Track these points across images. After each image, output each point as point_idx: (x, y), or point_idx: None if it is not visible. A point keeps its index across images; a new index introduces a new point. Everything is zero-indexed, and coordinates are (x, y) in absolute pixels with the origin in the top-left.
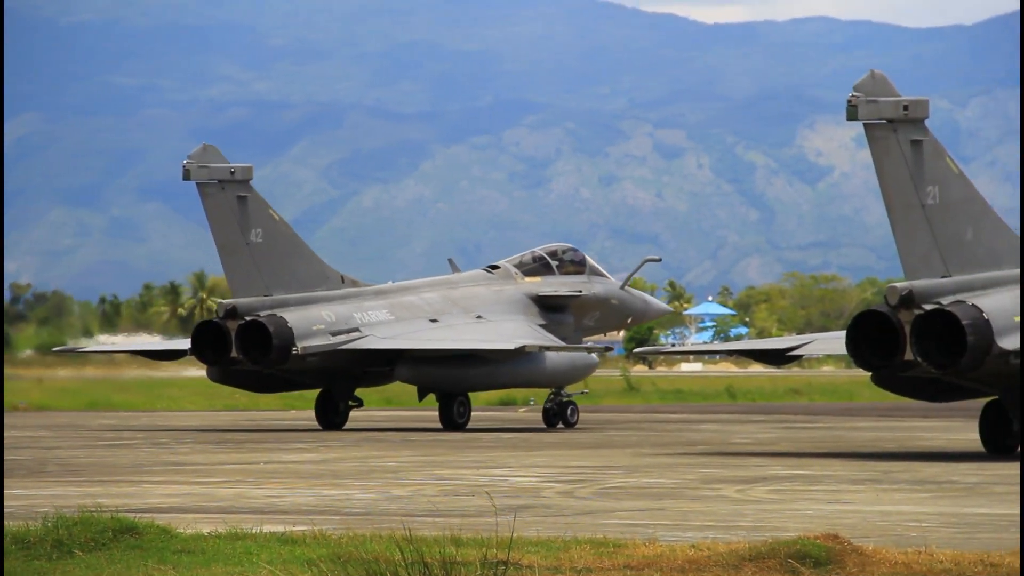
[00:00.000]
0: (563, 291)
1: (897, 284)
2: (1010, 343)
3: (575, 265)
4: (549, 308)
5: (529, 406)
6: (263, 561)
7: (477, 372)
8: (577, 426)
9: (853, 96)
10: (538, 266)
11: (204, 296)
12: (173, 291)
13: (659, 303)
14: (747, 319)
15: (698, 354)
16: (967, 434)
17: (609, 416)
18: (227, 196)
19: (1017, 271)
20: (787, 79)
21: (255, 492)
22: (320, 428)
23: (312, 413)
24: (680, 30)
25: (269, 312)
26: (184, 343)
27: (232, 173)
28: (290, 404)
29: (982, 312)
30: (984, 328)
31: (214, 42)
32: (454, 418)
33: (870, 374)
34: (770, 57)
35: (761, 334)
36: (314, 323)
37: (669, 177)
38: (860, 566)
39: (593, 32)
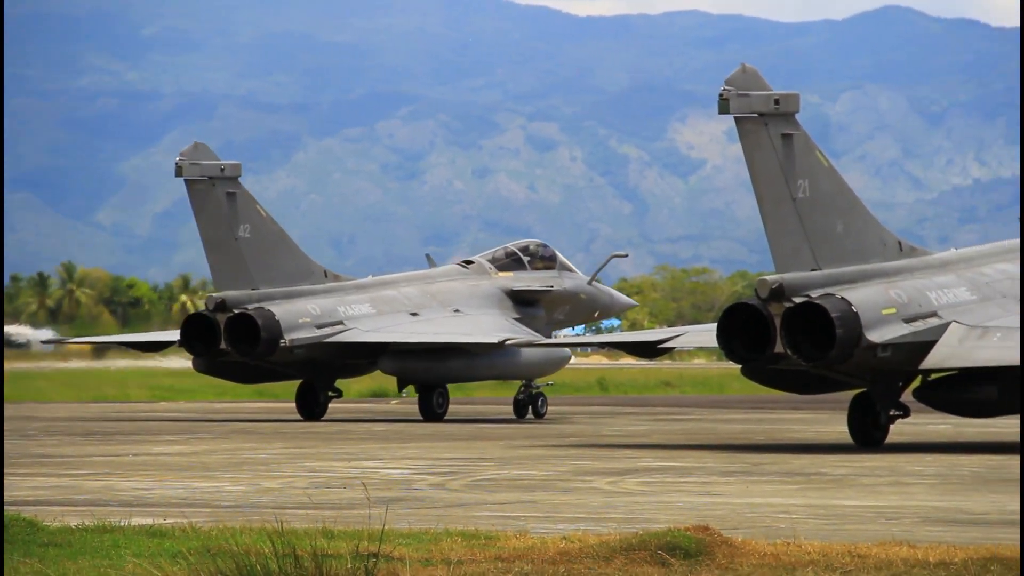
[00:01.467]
0: (535, 286)
1: (767, 277)
2: (878, 336)
3: (545, 261)
4: (522, 302)
5: (402, 398)
6: (131, 554)
7: (457, 364)
8: (543, 417)
9: (724, 90)
10: (511, 261)
11: (73, 288)
12: (41, 282)
13: (624, 297)
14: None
15: (569, 346)
16: (836, 426)
17: (482, 408)
18: (216, 193)
19: (885, 265)
20: (660, 72)
21: (123, 485)
22: (301, 419)
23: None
24: (553, 23)
25: (257, 305)
26: (172, 334)
27: (222, 170)
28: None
29: (851, 305)
30: (853, 321)
31: (83, 31)
32: (434, 409)
33: (740, 366)
34: (643, 50)
35: (633, 326)
36: (300, 316)
37: (542, 170)
38: (730, 557)
39: (467, 24)
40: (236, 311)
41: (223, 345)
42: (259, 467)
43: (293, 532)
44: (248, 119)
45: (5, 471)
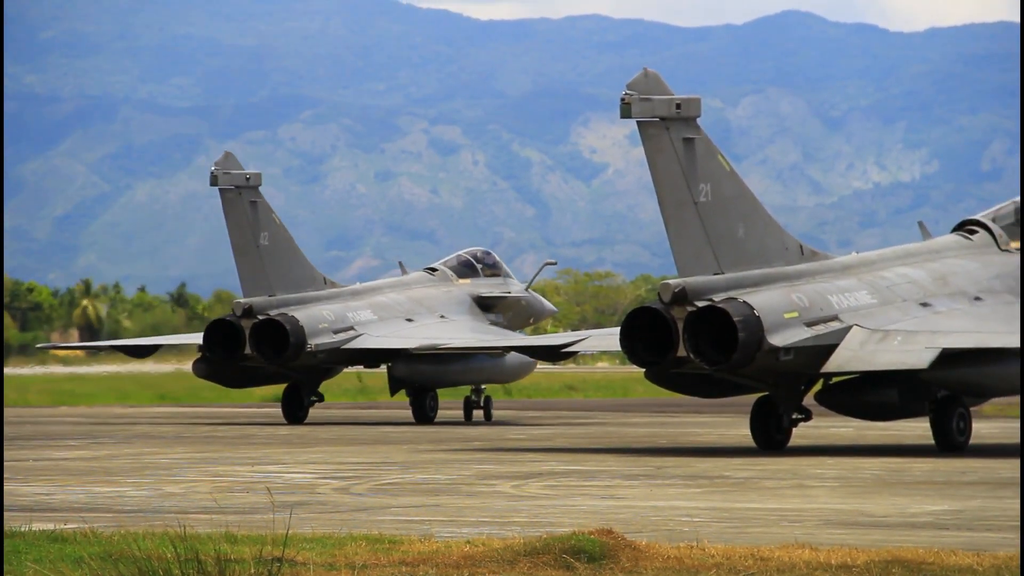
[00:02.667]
0: (497, 292)
1: (670, 281)
2: (780, 340)
3: (492, 268)
4: (484, 308)
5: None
6: (30, 560)
7: (454, 368)
8: (480, 420)
9: (626, 94)
10: (466, 269)
11: None
12: None
13: (550, 304)
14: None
15: (456, 351)
16: (739, 430)
17: (386, 412)
18: (243, 201)
19: (787, 268)
20: (562, 76)
21: (24, 489)
22: (285, 422)
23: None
24: (455, 26)
25: (279, 311)
26: (195, 337)
27: (248, 180)
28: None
29: (753, 309)
30: (755, 325)
31: None
32: (426, 412)
33: (644, 370)
34: (545, 54)
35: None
36: (319, 321)
37: (445, 173)
38: (633, 561)
39: (368, 27)
40: (262, 317)
41: (248, 350)
42: (162, 472)
43: (196, 537)
44: (149, 122)
45: None
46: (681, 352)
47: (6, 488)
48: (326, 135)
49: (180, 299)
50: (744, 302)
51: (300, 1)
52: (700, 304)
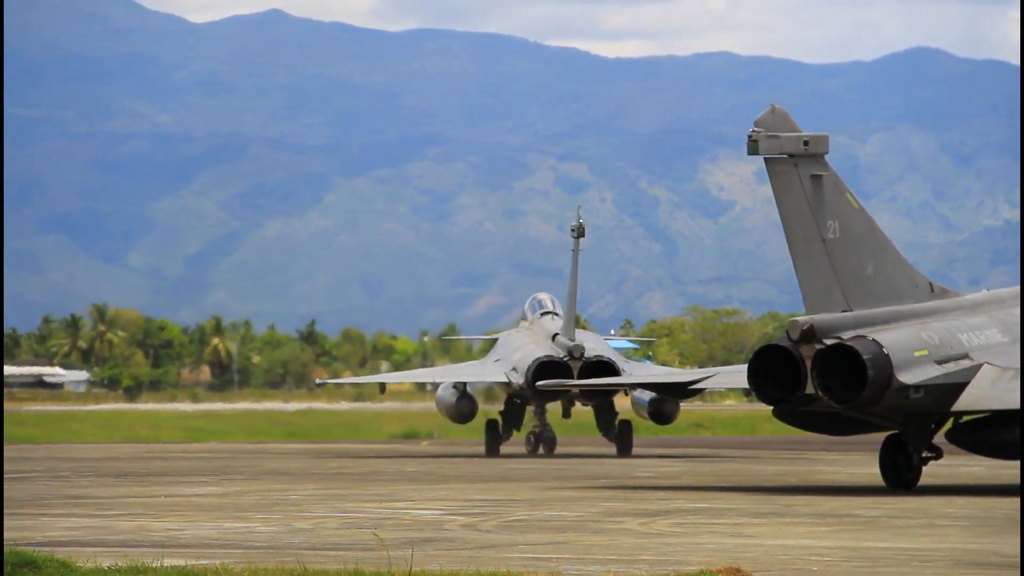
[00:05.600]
0: None
1: (798, 318)
2: (910, 377)
3: None
4: None
5: (432, 439)
6: None
7: None
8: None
9: (754, 131)
10: None
11: (104, 329)
12: (73, 324)
13: None
14: (649, 353)
15: (600, 387)
16: (868, 468)
17: (515, 449)
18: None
19: (917, 306)
20: (689, 114)
21: (156, 525)
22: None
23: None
24: (583, 64)
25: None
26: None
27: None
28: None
29: (882, 347)
30: (884, 362)
31: (116, 74)
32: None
33: (772, 408)
34: (672, 92)
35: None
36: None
37: (572, 211)
38: None
39: (497, 66)
40: (827, 342)
41: (809, 389)
42: (290, 508)
43: (324, 573)
44: (279, 161)
45: (39, 512)
46: (809, 390)
47: (136, 523)
48: (454, 173)
49: (309, 336)
50: (873, 340)
51: (429, 40)
52: (829, 342)
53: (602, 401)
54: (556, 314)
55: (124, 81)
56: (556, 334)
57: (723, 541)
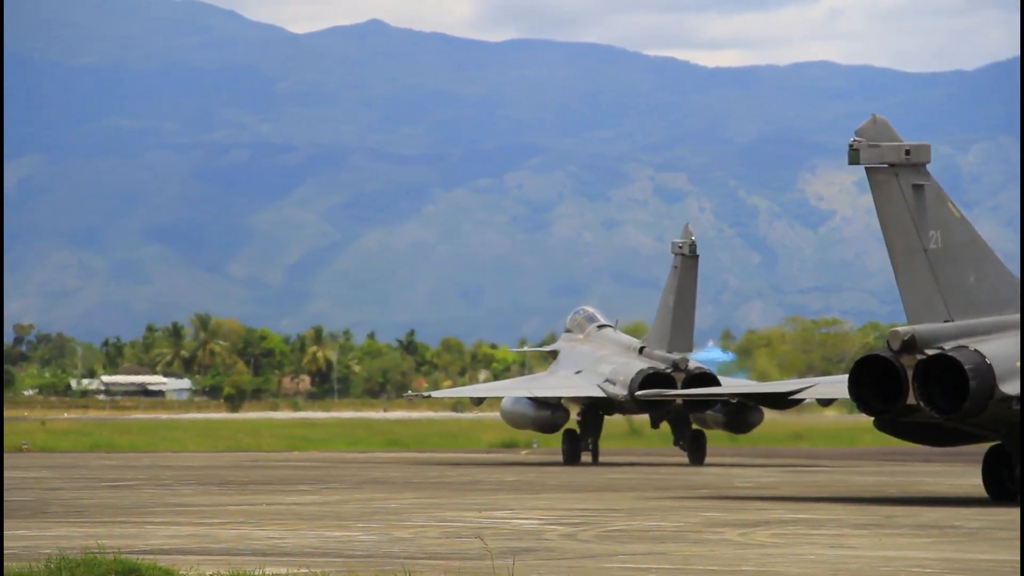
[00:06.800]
0: None
1: (899, 329)
2: (1012, 388)
3: None
4: None
5: (532, 448)
6: None
7: None
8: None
9: (855, 140)
10: None
11: (206, 337)
12: (176, 333)
13: None
14: (748, 363)
15: (700, 397)
16: (970, 479)
17: (611, 458)
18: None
19: (1019, 316)
20: (789, 123)
21: (258, 534)
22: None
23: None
24: (681, 73)
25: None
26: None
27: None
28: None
29: (984, 357)
30: (986, 373)
31: (217, 85)
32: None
33: (873, 419)
34: (771, 101)
35: (762, 378)
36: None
37: (670, 221)
38: None
39: (595, 76)
40: (928, 352)
41: (911, 399)
42: (391, 517)
43: None
44: (379, 171)
45: (143, 520)
46: (911, 400)
47: (238, 532)
48: (552, 183)
49: (409, 346)
50: (975, 350)
51: (528, 50)
52: (930, 352)
53: (692, 412)
54: (612, 326)
55: (226, 92)
56: (643, 347)
57: (823, 552)
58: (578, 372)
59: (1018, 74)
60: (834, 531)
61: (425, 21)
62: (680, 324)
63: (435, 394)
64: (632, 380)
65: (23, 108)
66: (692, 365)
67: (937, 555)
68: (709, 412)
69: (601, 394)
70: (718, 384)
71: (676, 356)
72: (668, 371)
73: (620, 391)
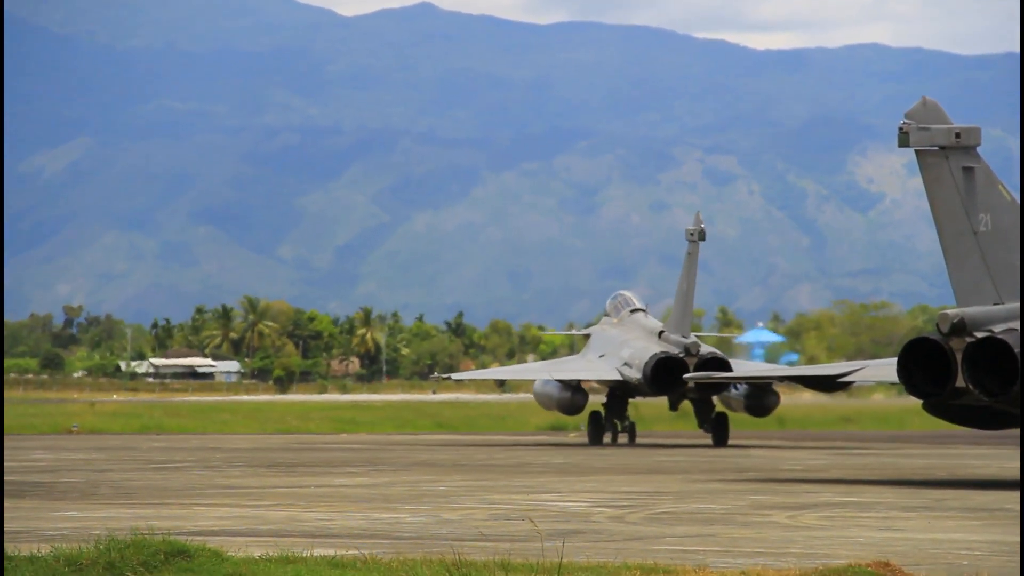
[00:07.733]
0: None
1: (949, 311)
2: None
3: None
4: None
5: (580, 431)
6: None
7: None
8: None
9: (905, 123)
10: None
11: (254, 319)
12: (225, 315)
13: None
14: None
15: (748, 380)
16: (1018, 462)
17: (659, 441)
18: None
19: None
20: (838, 105)
21: (306, 515)
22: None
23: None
24: (731, 57)
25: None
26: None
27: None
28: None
29: None
30: None
31: (267, 68)
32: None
33: (922, 401)
34: (821, 83)
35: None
36: None
37: (720, 204)
38: None
39: (644, 59)
40: (978, 335)
41: (960, 382)
42: (439, 499)
43: (472, 564)
44: (428, 154)
45: (192, 502)
46: (960, 383)
47: (286, 514)
48: (601, 166)
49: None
50: None
51: (578, 33)
52: (979, 335)
53: (706, 395)
54: (644, 311)
55: (275, 75)
56: (662, 331)
57: (872, 535)
58: (601, 356)
59: None
60: (883, 514)
61: (475, 4)
62: (686, 308)
63: (455, 376)
64: (646, 364)
65: (73, 92)
66: (704, 350)
67: (986, 537)
68: (733, 395)
69: (619, 377)
70: (729, 368)
71: (688, 340)
72: (680, 355)
73: (635, 374)
